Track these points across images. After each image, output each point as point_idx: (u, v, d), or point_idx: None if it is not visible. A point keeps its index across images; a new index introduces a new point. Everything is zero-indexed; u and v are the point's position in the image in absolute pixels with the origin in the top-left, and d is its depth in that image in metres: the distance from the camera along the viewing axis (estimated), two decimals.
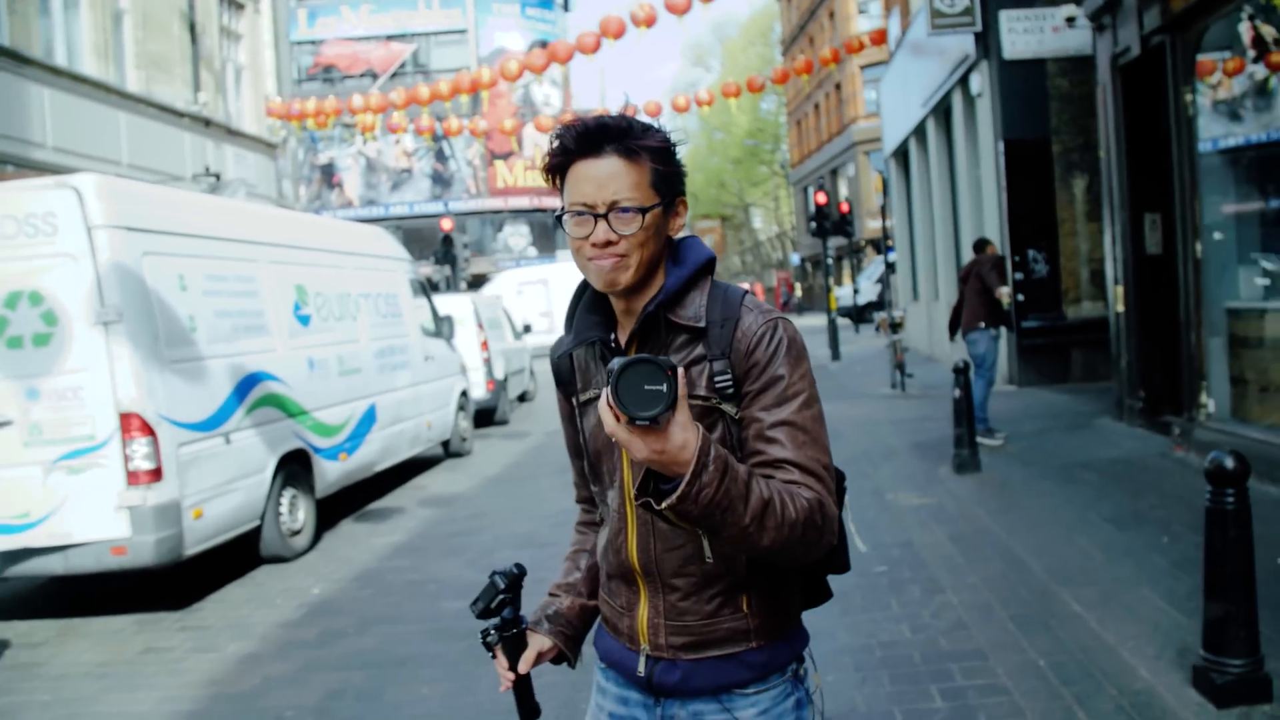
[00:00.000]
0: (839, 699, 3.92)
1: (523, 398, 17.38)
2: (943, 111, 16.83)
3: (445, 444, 11.56)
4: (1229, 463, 3.42)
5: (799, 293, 53.70)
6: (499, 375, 14.45)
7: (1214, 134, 7.74)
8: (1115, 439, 8.76)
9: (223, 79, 18.64)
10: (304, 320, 7.93)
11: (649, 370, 1.32)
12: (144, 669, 5.26)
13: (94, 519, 5.84)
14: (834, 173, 46.09)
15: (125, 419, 5.80)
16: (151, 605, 6.42)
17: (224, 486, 6.55)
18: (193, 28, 17.38)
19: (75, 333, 5.82)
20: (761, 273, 69.62)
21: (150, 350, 5.95)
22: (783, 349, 1.61)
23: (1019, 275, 12.80)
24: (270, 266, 7.56)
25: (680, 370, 1.34)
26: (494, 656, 1.80)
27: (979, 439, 8.24)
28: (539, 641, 1.82)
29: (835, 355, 19.99)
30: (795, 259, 55.13)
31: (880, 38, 21.80)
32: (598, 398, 1.69)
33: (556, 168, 1.64)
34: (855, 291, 32.72)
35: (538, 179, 35.94)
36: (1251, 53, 7.39)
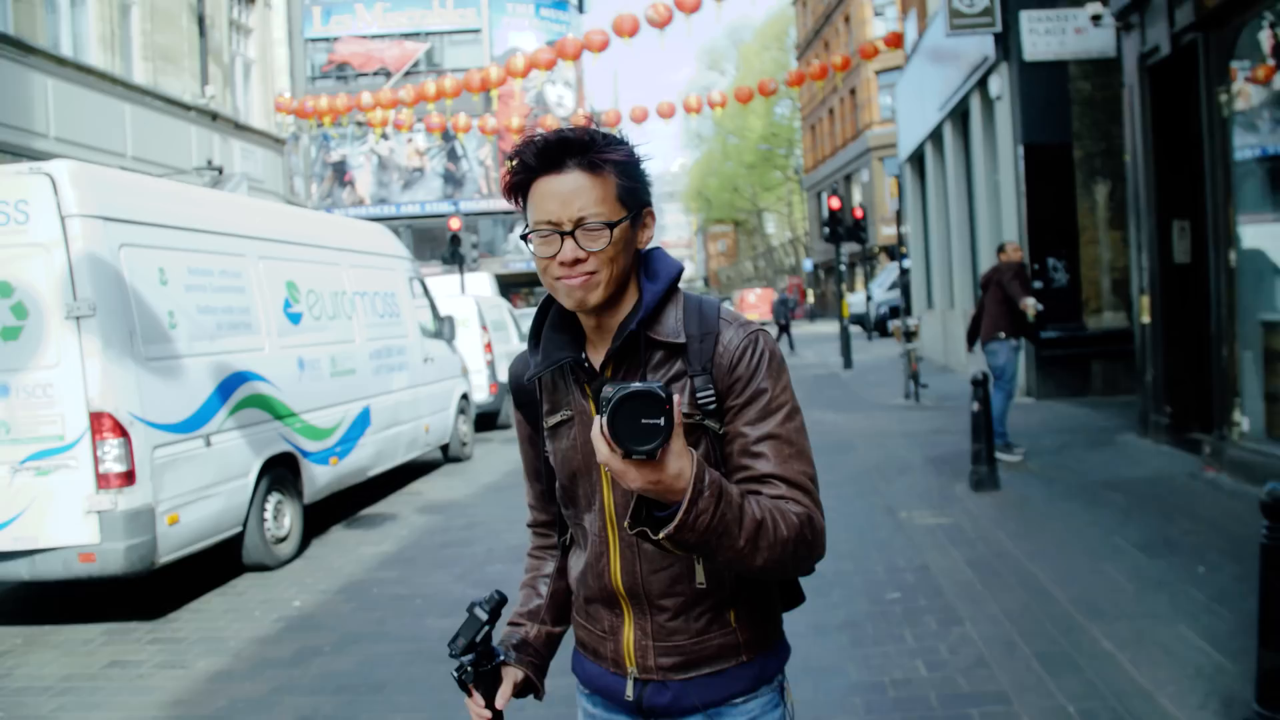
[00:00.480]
0: None
1: None
2: (960, 116, 16.46)
3: (444, 448, 11.24)
4: None
5: (811, 299, 53.30)
6: (503, 378, 14.12)
7: (1249, 138, 7.35)
8: (1140, 456, 8.38)
9: (231, 73, 18.40)
10: (294, 318, 7.61)
11: (645, 403, 1.29)
12: (107, 685, 4.95)
13: (62, 523, 5.54)
14: (848, 178, 45.73)
15: (96, 419, 5.49)
16: (125, 613, 6.12)
17: (203, 491, 6.23)
18: (201, 21, 17.14)
19: (47, 327, 5.53)
20: (774, 278, 69.23)
21: (125, 347, 5.64)
22: (764, 362, 1.61)
23: (1038, 284, 12.39)
24: (259, 262, 7.25)
25: (677, 398, 1.32)
26: (469, 694, 1.73)
27: (997, 454, 7.88)
28: (511, 674, 1.77)
29: (847, 363, 19.63)
30: (808, 265, 54.74)
31: (896, 41, 21.44)
32: (568, 421, 1.69)
33: (518, 186, 1.61)
34: (868, 299, 32.23)
35: None
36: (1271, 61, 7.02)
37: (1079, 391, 12.41)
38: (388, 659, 5.05)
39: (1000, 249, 9.16)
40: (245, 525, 6.76)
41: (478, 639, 1.70)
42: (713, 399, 1.59)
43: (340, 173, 41.47)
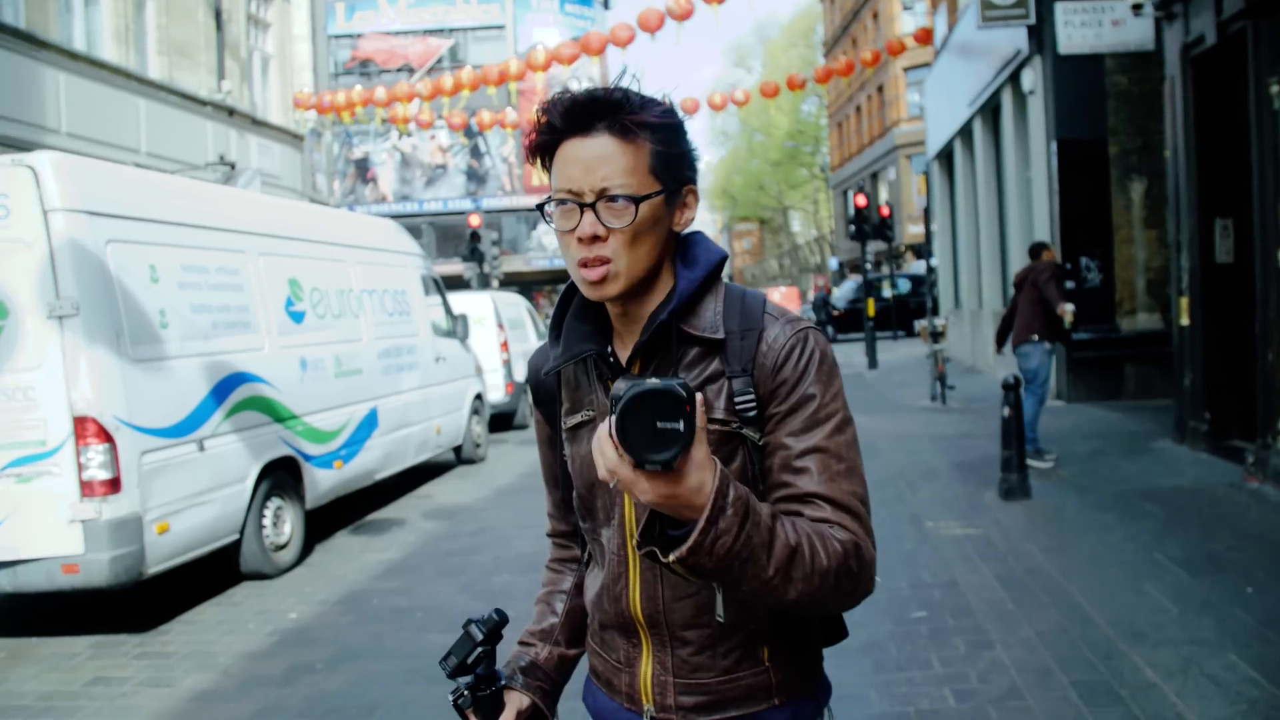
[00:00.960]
0: None
1: None
2: (990, 111, 16.04)
3: (457, 450, 10.98)
4: None
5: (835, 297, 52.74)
6: (519, 377, 13.85)
7: None
8: (1178, 465, 7.99)
9: (249, 68, 18.26)
10: (297, 317, 7.35)
11: (662, 403, 1.10)
12: (88, 704, 4.70)
13: (44, 533, 5.30)
14: (874, 176, 45.19)
15: (80, 423, 5.25)
16: (115, 625, 5.88)
17: (195, 498, 5.98)
18: (218, 15, 16.99)
19: (28, 326, 5.29)
20: (799, 277, 68.72)
21: (111, 347, 5.38)
22: (814, 364, 1.42)
23: (1070, 284, 11.97)
24: (259, 258, 6.99)
25: (699, 399, 1.13)
26: None
27: (1028, 461, 7.50)
28: (516, 700, 1.61)
29: (872, 363, 19.25)
30: (834, 263, 54.22)
31: (926, 36, 21.02)
32: (589, 422, 1.51)
33: (542, 147, 1.43)
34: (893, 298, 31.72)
35: None
36: None
37: (1111, 395, 11.98)
38: (382, 678, 4.77)
39: (1036, 250, 8.78)
40: (242, 533, 6.50)
41: (470, 660, 1.56)
42: (753, 404, 1.41)
43: (363, 169, 41.38)
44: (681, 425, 1.10)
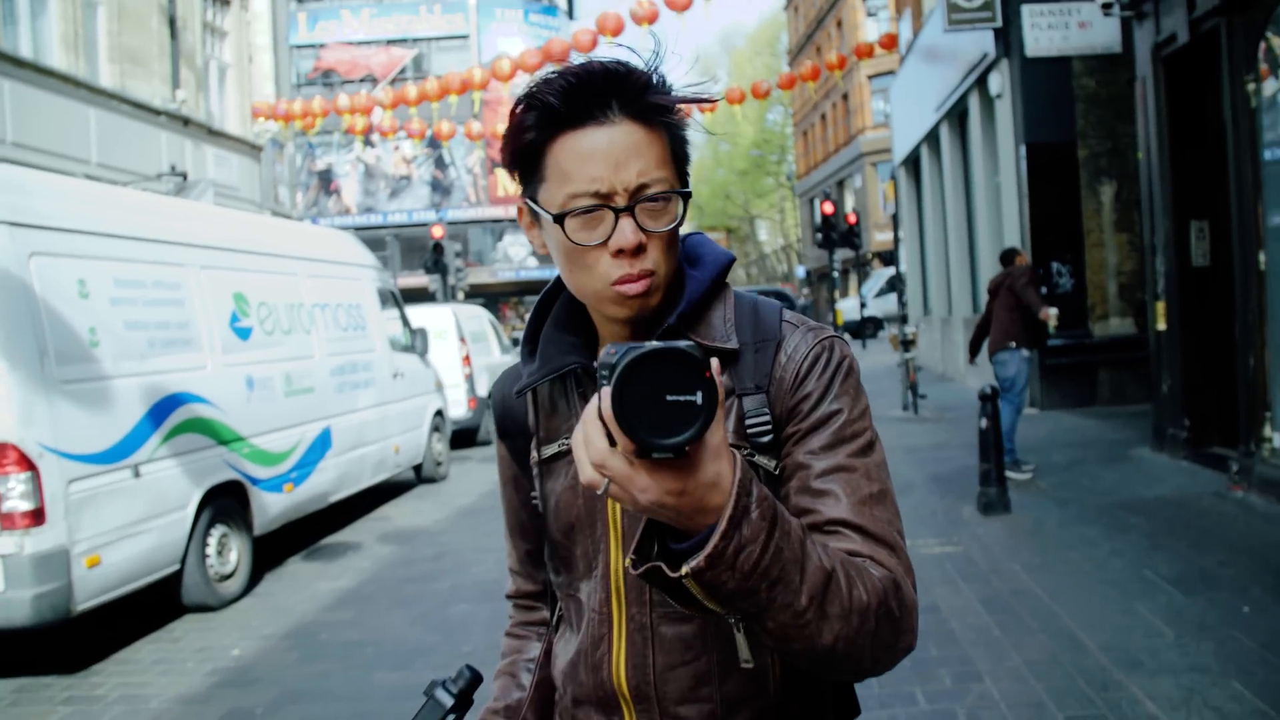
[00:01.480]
0: None
1: None
2: (958, 116, 15.92)
3: (417, 469, 10.61)
4: None
5: (802, 305, 52.76)
6: (482, 392, 13.49)
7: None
8: (1159, 473, 7.78)
9: (205, 77, 17.81)
10: (243, 333, 6.99)
11: (674, 369, 0.84)
12: None
13: None
14: (840, 184, 45.20)
15: None
16: (44, 666, 5.49)
17: (130, 528, 5.60)
18: (173, 22, 16.55)
19: None
20: (766, 286, 68.73)
21: (33, 369, 5.01)
22: (841, 377, 1.21)
23: (1042, 289, 11.83)
24: (201, 272, 6.62)
25: (714, 363, 0.87)
26: None
27: (1006, 473, 7.26)
28: None
29: None
30: (801, 272, 54.21)
31: (890, 42, 20.90)
32: (568, 454, 1.26)
33: (532, 147, 1.16)
34: (862, 305, 31.61)
35: None
36: None
37: (1085, 401, 11.83)
38: None
39: (1008, 256, 8.58)
40: (183, 563, 6.13)
41: None
42: (768, 427, 1.19)
43: (326, 181, 40.87)
44: (699, 397, 0.84)
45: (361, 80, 39.40)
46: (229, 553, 6.59)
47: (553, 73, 1.15)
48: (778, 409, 1.20)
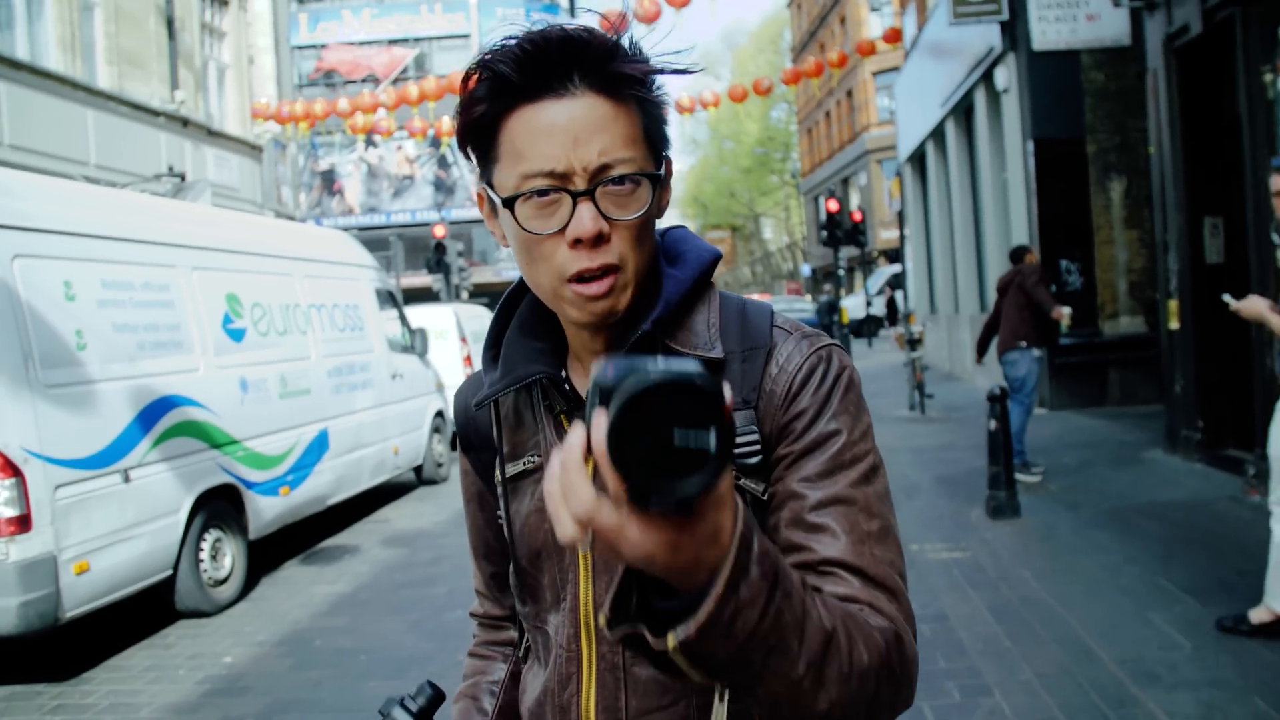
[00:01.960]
0: None
1: None
2: (964, 111, 15.75)
3: (418, 470, 10.48)
4: None
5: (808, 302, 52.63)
6: None
7: None
8: (1172, 476, 7.62)
9: (204, 78, 17.71)
10: (236, 335, 6.86)
11: (688, 403, 0.67)
12: None
13: None
14: (845, 182, 45.05)
15: None
16: (35, 673, 5.37)
17: (120, 533, 5.48)
18: (170, 23, 16.47)
19: None
20: (771, 284, 68.60)
21: (17, 373, 4.89)
22: (839, 391, 1.06)
23: (1050, 287, 11.68)
24: (192, 273, 6.49)
25: (729, 395, 0.70)
26: None
27: (1016, 475, 7.11)
28: None
29: None
30: (806, 270, 54.03)
31: (895, 37, 20.75)
32: (535, 470, 1.15)
33: (483, 121, 1.03)
34: (868, 304, 31.44)
35: None
36: None
37: (1095, 401, 11.66)
38: None
39: (1017, 254, 8.42)
40: (176, 569, 6.01)
41: None
42: (756, 447, 1.05)
43: (329, 181, 40.77)
44: (713, 439, 0.69)
45: (363, 80, 39.30)
46: (223, 557, 6.47)
47: (508, 38, 1.00)
48: (767, 426, 1.06)
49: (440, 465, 10.81)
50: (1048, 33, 11.03)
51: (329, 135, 35.05)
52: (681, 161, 75.30)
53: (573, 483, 0.73)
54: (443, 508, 9.37)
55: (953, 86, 15.40)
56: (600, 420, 0.70)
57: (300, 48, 40.34)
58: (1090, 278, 11.90)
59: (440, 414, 10.90)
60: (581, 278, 1.01)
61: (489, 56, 1.01)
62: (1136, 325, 11.68)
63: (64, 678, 5.29)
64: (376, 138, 31.66)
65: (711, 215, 74.28)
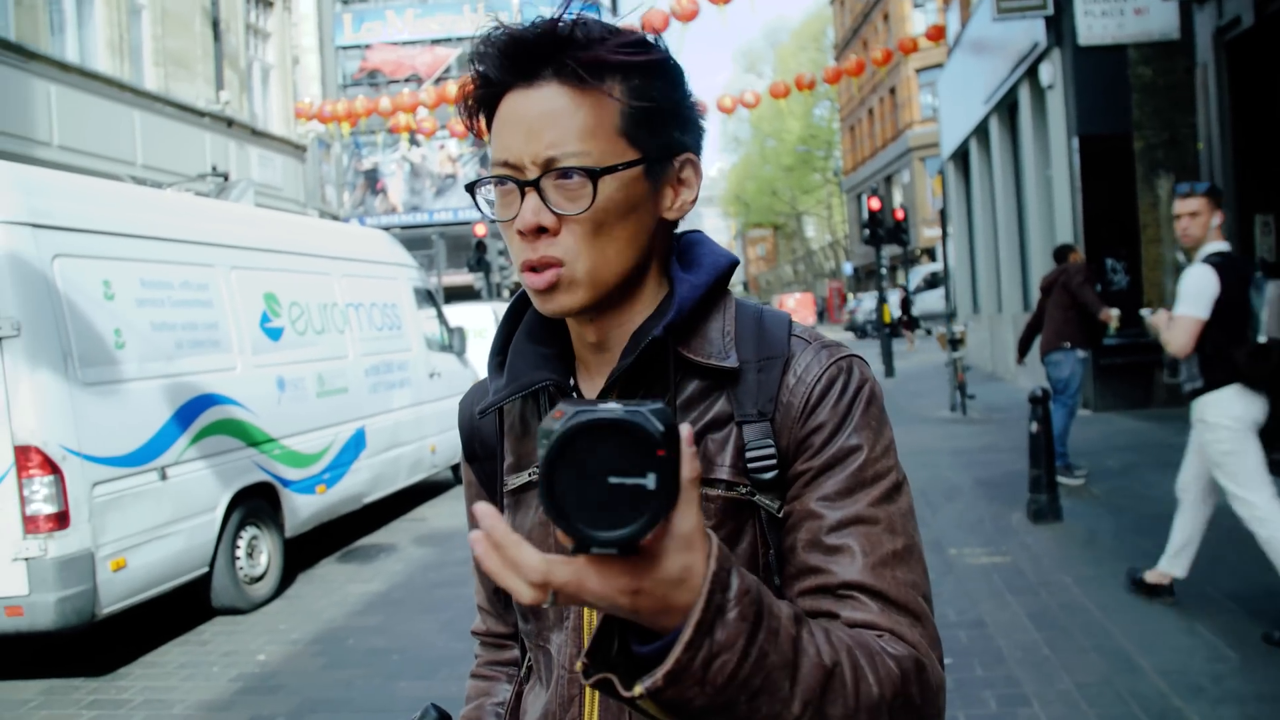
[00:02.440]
0: None
1: None
2: (1007, 108, 15.53)
3: (455, 468, 10.51)
4: None
5: (851, 303, 52.28)
6: None
7: None
8: None
9: (248, 79, 17.92)
10: (274, 334, 6.91)
11: (619, 443, 0.66)
12: None
13: None
14: (888, 180, 44.66)
15: (22, 454, 4.81)
16: (72, 668, 5.45)
17: (157, 531, 5.53)
18: (216, 25, 16.68)
19: None
20: (814, 282, 68.26)
21: (58, 371, 4.95)
22: (860, 405, 1.02)
23: (1095, 287, 11.47)
24: (231, 272, 6.55)
25: (685, 431, 0.69)
26: None
27: (1057, 478, 6.98)
28: None
29: (889, 371, 18.71)
30: (848, 268, 53.69)
31: (938, 34, 20.55)
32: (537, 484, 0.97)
33: (480, 104, 1.04)
34: (909, 301, 31.06)
35: None
36: None
37: (1140, 403, 11.43)
38: None
39: (1062, 252, 8.26)
40: (212, 566, 6.06)
41: None
42: (772, 461, 1.01)
43: (372, 181, 41.15)
44: (652, 480, 0.67)
45: (406, 80, 39.60)
46: (259, 555, 6.52)
47: (496, 28, 1.01)
48: (784, 440, 1.02)
49: None
50: (1094, 27, 10.83)
51: (372, 135, 35.30)
52: (723, 160, 75.21)
53: (513, 557, 0.71)
54: None
55: (996, 83, 15.19)
56: (537, 468, 0.69)
57: (345, 48, 40.74)
58: (1136, 277, 11.66)
59: None
60: (531, 269, 1.00)
61: (481, 45, 1.02)
62: None
63: (101, 673, 5.35)
64: (419, 137, 31.91)
65: (753, 214, 74.03)
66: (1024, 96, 14.02)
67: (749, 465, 1.01)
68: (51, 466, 4.84)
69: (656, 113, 1.02)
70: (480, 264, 22.34)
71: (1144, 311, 4.79)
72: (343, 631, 5.82)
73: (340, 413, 7.64)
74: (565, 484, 0.67)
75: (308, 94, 25.61)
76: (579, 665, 0.78)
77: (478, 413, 1.17)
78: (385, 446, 8.37)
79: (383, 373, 8.53)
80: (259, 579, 6.50)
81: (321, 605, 6.41)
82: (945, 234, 19.64)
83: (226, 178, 14.81)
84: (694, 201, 1.09)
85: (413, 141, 38.47)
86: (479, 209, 1.05)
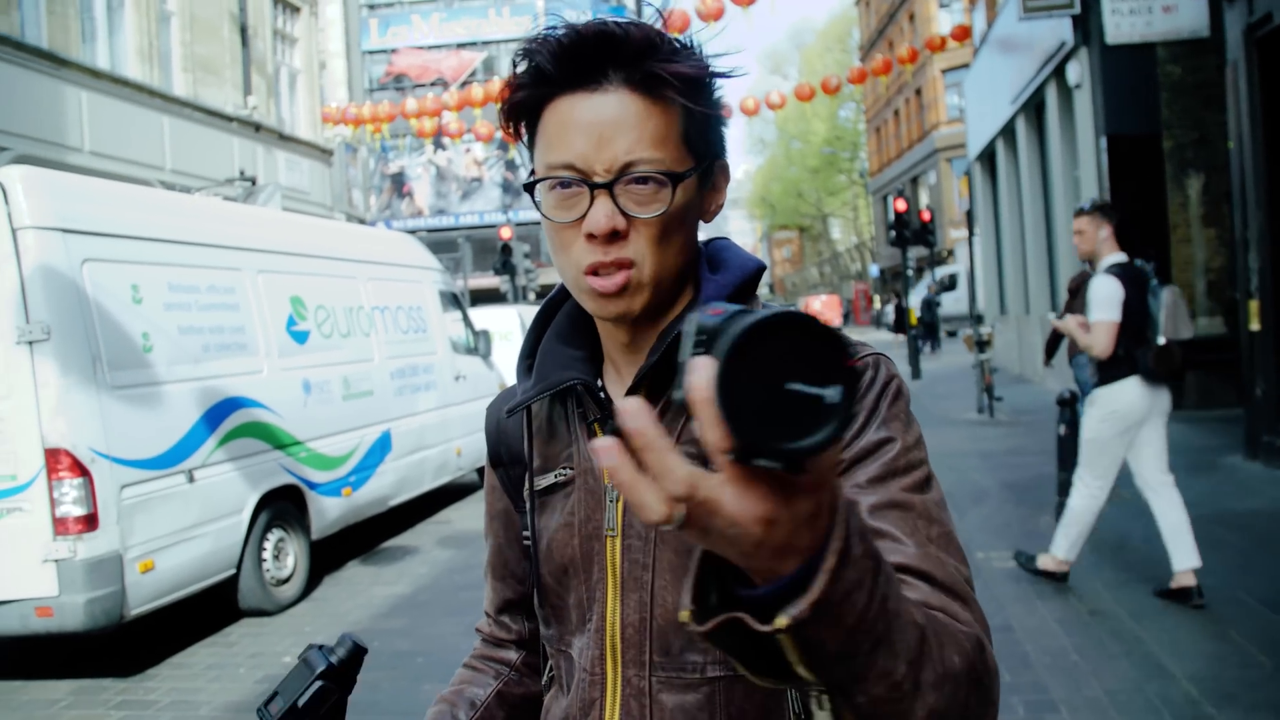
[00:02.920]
0: None
1: None
2: (1034, 108, 15.42)
3: (480, 471, 10.54)
4: None
5: (878, 305, 52.04)
6: None
7: None
8: (1253, 484, 7.34)
9: (275, 84, 18.07)
10: (300, 337, 6.95)
11: (811, 348, 0.59)
12: None
13: (16, 574, 4.92)
14: (914, 181, 44.44)
15: (52, 456, 4.86)
16: (101, 668, 5.50)
17: (184, 533, 5.58)
18: (244, 30, 16.83)
19: None
20: (840, 284, 68.01)
21: (86, 374, 5.00)
22: (888, 400, 1.02)
23: None
24: (258, 276, 6.59)
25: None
26: None
27: None
28: None
29: (916, 373, 18.61)
30: (874, 270, 53.47)
31: (964, 33, 20.40)
32: (567, 484, 1.11)
33: (524, 106, 1.04)
34: (937, 303, 30.83)
35: None
36: None
37: (1172, 405, 11.27)
38: None
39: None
40: (239, 568, 6.11)
41: (301, 702, 1.15)
42: None
43: (399, 184, 41.41)
44: (836, 393, 0.60)
45: (433, 84, 39.84)
46: (286, 557, 6.56)
47: (550, 28, 1.01)
48: None
49: None
50: (1121, 26, 10.72)
51: (398, 139, 35.51)
52: (749, 162, 75.19)
53: (664, 461, 0.62)
54: None
55: (1023, 83, 15.08)
56: (704, 366, 0.61)
57: (371, 52, 41.02)
58: (1166, 277, 11.48)
59: None
60: (596, 271, 1.01)
61: (532, 44, 1.02)
62: (1215, 326, 11.29)
63: (129, 673, 5.40)
64: (445, 140, 32.10)
65: (779, 216, 73.91)
66: (1051, 96, 13.92)
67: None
68: (81, 469, 4.89)
69: (706, 119, 1.04)
70: (506, 266, 22.42)
71: (1050, 315, 5.08)
72: (367, 634, 5.84)
73: (366, 415, 7.68)
74: (744, 383, 0.59)
75: (334, 98, 25.79)
76: (685, 614, 0.71)
77: (505, 412, 1.18)
78: (411, 449, 8.40)
79: (408, 375, 8.56)
80: (285, 581, 6.54)
81: (347, 607, 6.44)
82: (971, 235, 19.51)
83: (254, 182, 14.96)
84: (722, 206, 1.11)
85: (438, 145, 38.68)
86: (537, 207, 1.05)
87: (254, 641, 5.85)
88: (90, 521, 4.92)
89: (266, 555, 6.35)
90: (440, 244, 32.34)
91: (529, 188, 1.04)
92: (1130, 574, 5.56)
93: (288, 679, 1.20)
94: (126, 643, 5.82)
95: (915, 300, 31.90)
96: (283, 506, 6.55)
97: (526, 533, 1.18)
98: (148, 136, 14.04)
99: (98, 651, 5.76)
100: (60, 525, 4.87)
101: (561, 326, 1.16)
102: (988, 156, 19.77)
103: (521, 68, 1.04)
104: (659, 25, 1.04)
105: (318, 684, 1.16)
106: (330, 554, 7.56)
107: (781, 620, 0.65)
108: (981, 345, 12.41)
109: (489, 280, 30.51)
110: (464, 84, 38.98)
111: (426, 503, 9.37)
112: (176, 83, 15.10)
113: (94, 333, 5.09)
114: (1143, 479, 5.21)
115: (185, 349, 5.77)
